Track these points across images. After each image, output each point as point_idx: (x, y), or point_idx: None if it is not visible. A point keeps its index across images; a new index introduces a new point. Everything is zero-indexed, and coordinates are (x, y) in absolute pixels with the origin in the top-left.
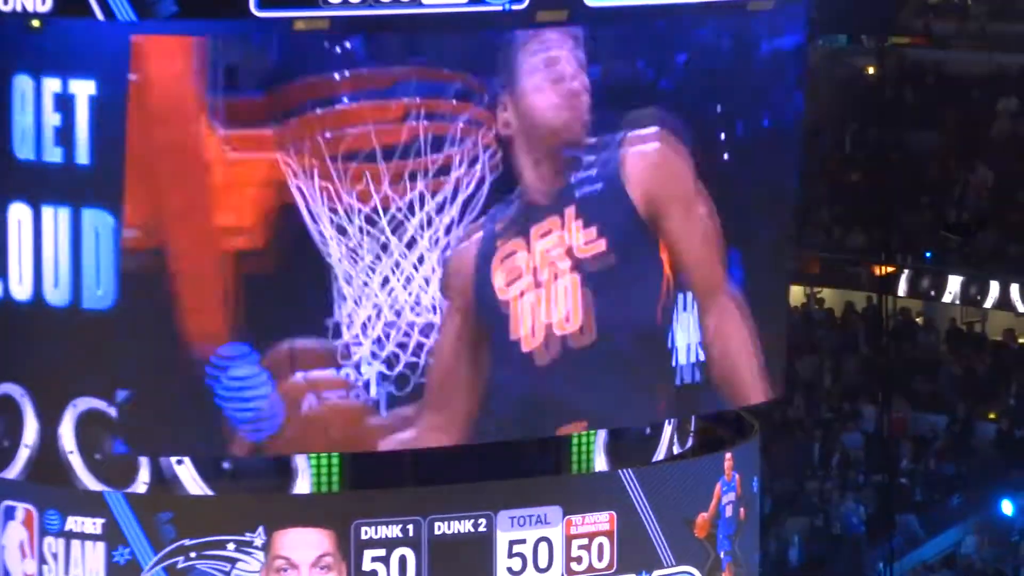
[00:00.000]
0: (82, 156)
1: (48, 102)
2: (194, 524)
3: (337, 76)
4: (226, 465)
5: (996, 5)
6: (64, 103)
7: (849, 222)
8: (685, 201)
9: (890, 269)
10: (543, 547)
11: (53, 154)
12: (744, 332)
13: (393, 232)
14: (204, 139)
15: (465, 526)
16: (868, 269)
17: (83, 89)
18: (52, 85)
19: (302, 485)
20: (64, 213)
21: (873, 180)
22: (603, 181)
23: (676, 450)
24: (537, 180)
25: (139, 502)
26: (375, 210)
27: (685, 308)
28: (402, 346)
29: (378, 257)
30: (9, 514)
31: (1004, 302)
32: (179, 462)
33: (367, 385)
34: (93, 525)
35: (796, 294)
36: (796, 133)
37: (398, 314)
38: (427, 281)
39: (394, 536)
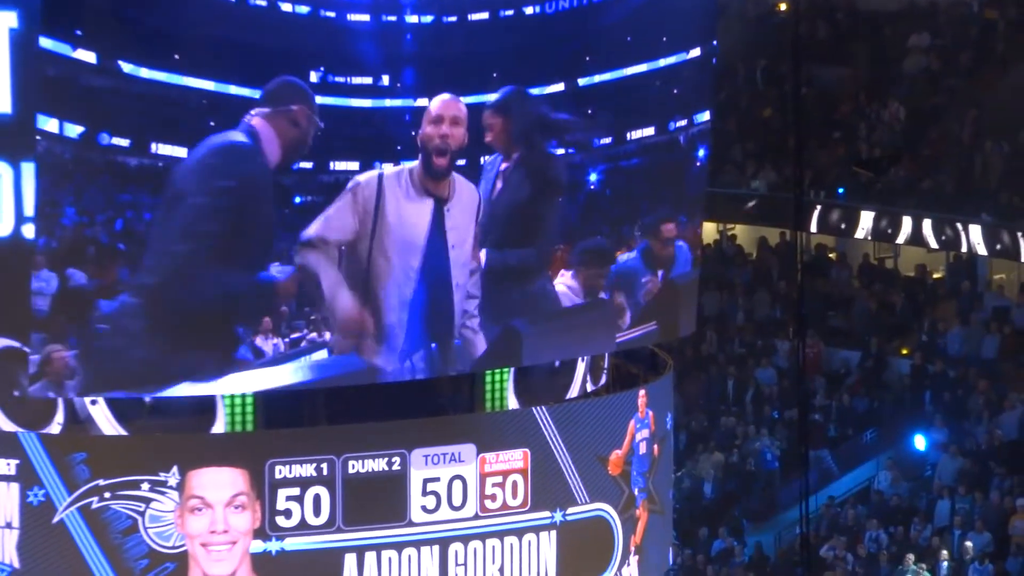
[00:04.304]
0: None
1: None
2: (108, 464)
3: None
4: (145, 401)
5: None
6: None
7: (761, 158)
8: None
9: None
10: (457, 485)
11: None
12: None
13: None
14: None
15: (379, 464)
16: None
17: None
18: None
19: (216, 425)
20: None
21: (785, 116)
22: None
23: (589, 387)
24: None
25: (53, 443)
26: None
27: None
28: None
29: None
30: None
31: (917, 237)
32: (93, 402)
33: None
34: (7, 466)
35: (708, 231)
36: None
37: None
38: None
39: (308, 475)
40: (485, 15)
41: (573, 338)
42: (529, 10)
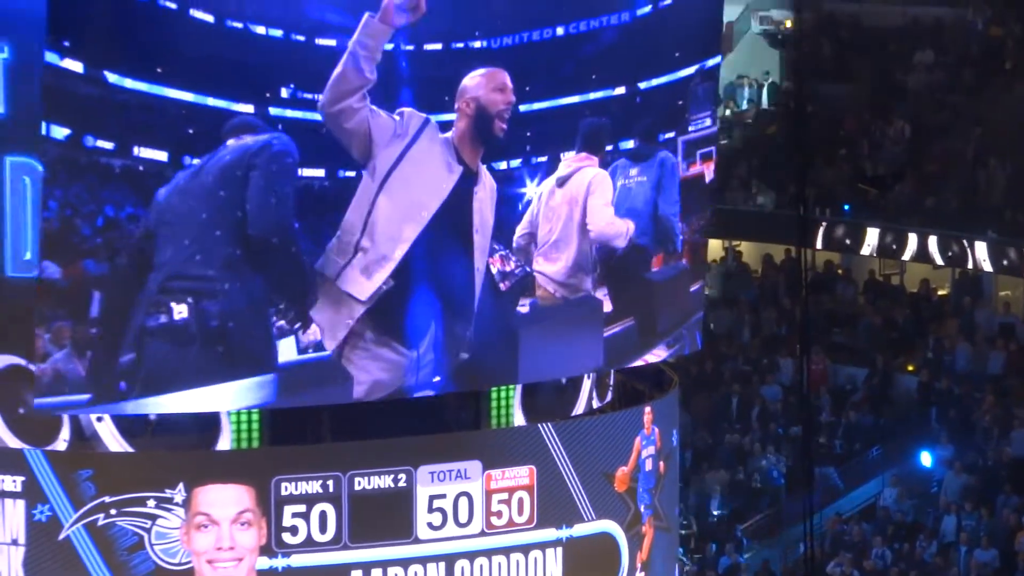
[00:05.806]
0: None
1: None
2: (114, 481)
3: None
4: (151, 418)
5: None
6: None
7: (766, 175)
8: None
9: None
10: (463, 502)
11: None
12: None
13: None
14: None
15: (385, 481)
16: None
17: None
18: None
19: (222, 441)
20: None
21: (790, 133)
22: None
23: (595, 404)
24: None
25: (59, 459)
26: None
27: None
28: None
29: None
30: None
31: (922, 254)
32: (99, 419)
33: None
34: (13, 483)
35: (714, 247)
36: None
37: None
38: None
39: (314, 492)
40: (438, 46)
41: (563, 332)
42: (477, 44)
